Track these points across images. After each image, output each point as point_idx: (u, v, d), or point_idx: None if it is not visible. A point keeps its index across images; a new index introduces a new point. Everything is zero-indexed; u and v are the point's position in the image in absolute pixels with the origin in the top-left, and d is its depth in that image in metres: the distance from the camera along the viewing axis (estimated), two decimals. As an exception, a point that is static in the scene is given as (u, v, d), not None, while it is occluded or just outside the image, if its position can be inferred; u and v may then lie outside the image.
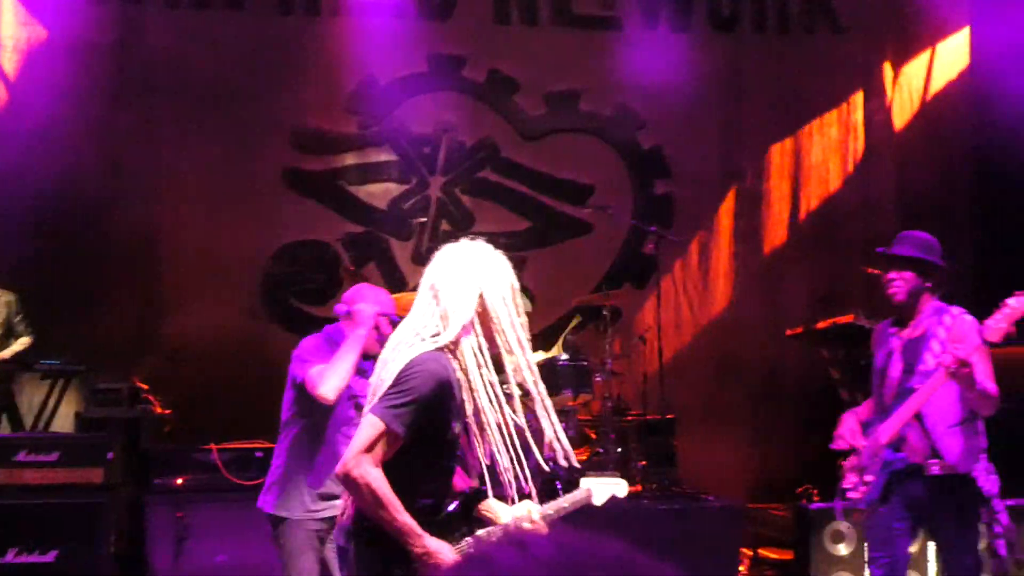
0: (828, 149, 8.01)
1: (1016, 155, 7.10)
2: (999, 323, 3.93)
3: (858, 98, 8.01)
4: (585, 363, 6.31)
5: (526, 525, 3.12)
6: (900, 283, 4.33)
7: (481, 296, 3.03)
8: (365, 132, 7.54)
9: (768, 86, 7.98)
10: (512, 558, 1.02)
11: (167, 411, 6.15)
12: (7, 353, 6.06)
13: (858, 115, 8.01)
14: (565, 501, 3.36)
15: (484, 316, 3.03)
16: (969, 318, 4.24)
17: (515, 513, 3.15)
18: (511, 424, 3.02)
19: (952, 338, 4.17)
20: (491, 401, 3.04)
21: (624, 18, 7.84)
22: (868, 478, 4.26)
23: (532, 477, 3.11)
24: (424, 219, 7.47)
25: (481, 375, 3.03)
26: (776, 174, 7.95)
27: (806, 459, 7.11)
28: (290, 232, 7.37)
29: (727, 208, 7.91)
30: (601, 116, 7.84)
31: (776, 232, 7.92)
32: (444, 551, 3.01)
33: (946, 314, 4.30)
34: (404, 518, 3.00)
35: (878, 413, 4.38)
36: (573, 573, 1.01)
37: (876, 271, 7.43)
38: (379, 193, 7.57)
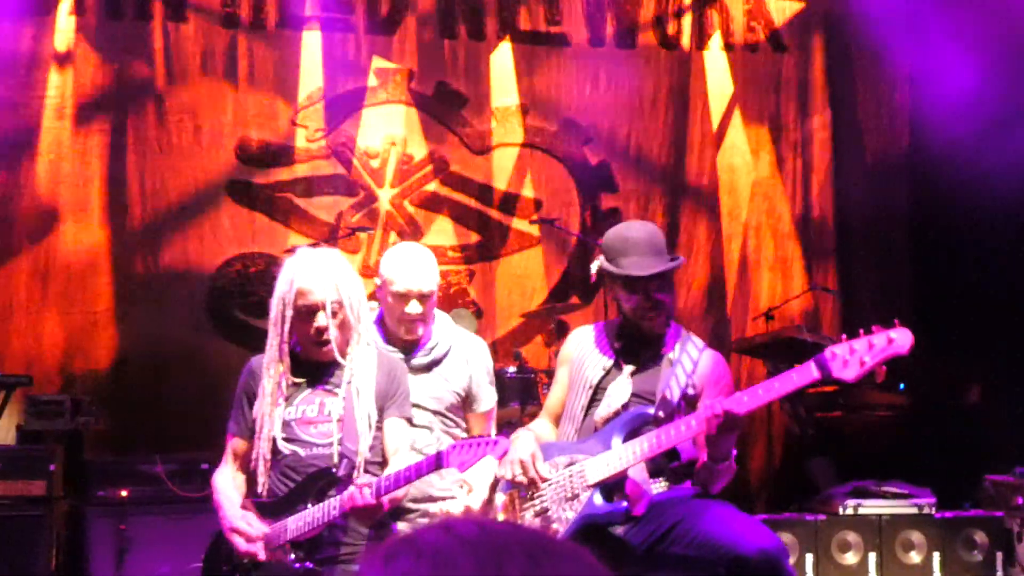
0: (773, 166, 8.13)
1: (951, 173, 7.25)
2: (860, 356, 3.00)
3: (800, 116, 8.15)
4: (532, 375, 6.35)
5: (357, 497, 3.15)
6: (658, 309, 3.41)
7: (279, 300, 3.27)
8: (312, 145, 7.53)
9: (713, 103, 8.09)
10: (436, 538, 1.05)
11: (110, 423, 6.10)
12: None
13: (800, 133, 8.15)
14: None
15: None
16: (719, 357, 3.54)
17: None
18: (266, 422, 3.15)
19: (709, 382, 3.41)
20: (267, 399, 3.17)
21: (570, 34, 7.92)
22: (556, 527, 3.30)
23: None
24: (372, 229, 7.48)
25: (269, 374, 3.19)
26: (721, 190, 8.05)
27: (749, 468, 7.23)
28: (236, 244, 7.34)
29: (673, 223, 8.00)
30: (548, 131, 7.91)
31: (720, 248, 8.01)
32: (236, 521, 3.18)
33: (690, 343, 3.52)
34: (217, 497, 3.29)
35: (569, 436, 3.50)
36: (495, 552, 1.03)
37: (828, 290, 7.56)
38: (327, 206, 7.56)
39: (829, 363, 3.04)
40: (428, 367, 3.83)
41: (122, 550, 5.10)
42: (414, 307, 3.70)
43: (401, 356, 3.77)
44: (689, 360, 3.45)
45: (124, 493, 5.23)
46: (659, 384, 3.41)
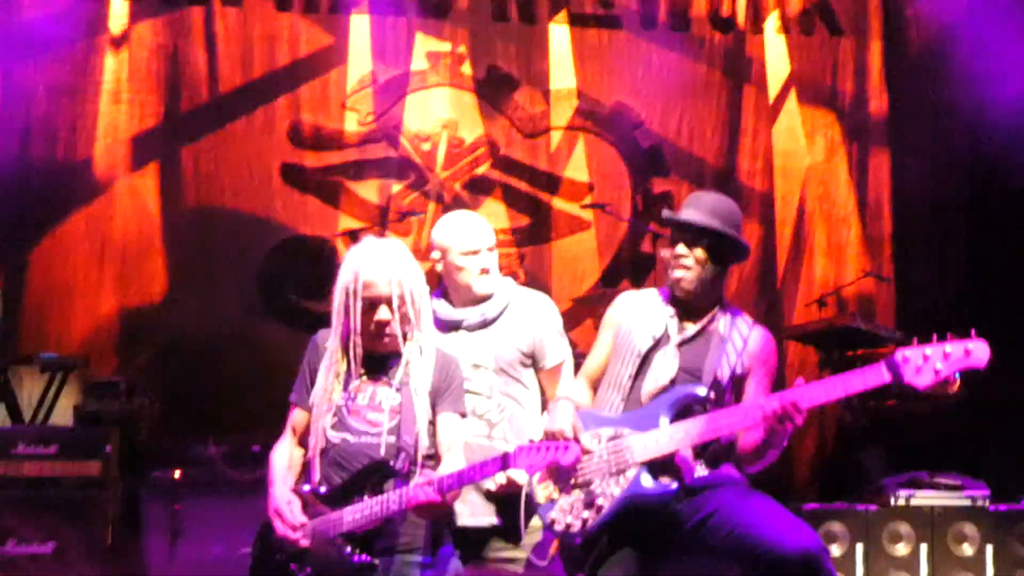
0: (828, 149, 8.03)
1: (1012, 157, 7.12)
2: (934, 364, 2.87)
3: (857, 100, 8.03)
4: (582, 360, 6.32)
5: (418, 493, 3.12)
6: (692, 263, 3.36)
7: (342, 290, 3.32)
8: (364, 128, 7.55)
9: (767, 85, 7.99)
10: None
11: (164, 404, 6.19)
12: None
13: (857, 117, 8.03)
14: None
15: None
16: (769, 335, 3.44)
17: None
18: (322, 415, 3.20)
19: (758, 361, 3.34)
20: (323, 385, 3.22)
21: (623, 16, 7.86)
22: (601, 502, 3.18)
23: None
24: (422, 213, 7.49)
25: (330, 361, 3.28)
26: (776, 174, 7.97)
27: (799, 457, 7.17)
28: (288, 227, 7.40)
29: (725, 207, 7.91)
30: (600, 114, 7.86)
31: (773, 233, 7.93)
32: (281, 504, 3.20)
33: (740, 319, 3.44)
34: (270, 474, 3.31)
35: (614, 404, 3.38)
36: None
37: (881, 277, 7.42)
38: (377, 189, 7.59)
39: (901, 367, 2.92)
40: (484, 324, 3.83)
41: (175, 531, 5.19)
42: (486, 259, 3.81)
43: (461, 319, 3.82)
44: (739, 337, 3.37)
45: (177, 475, 5.31)
46: (708, 361, 3.32)
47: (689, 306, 3.44)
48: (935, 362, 2.89)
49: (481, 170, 7.74)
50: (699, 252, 3.39)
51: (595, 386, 3.56)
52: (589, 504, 3.19)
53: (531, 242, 7.75)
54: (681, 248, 3.40)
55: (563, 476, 3.29)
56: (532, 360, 3.91)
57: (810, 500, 6.02)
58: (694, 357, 3.35)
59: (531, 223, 7.79)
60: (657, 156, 7.93)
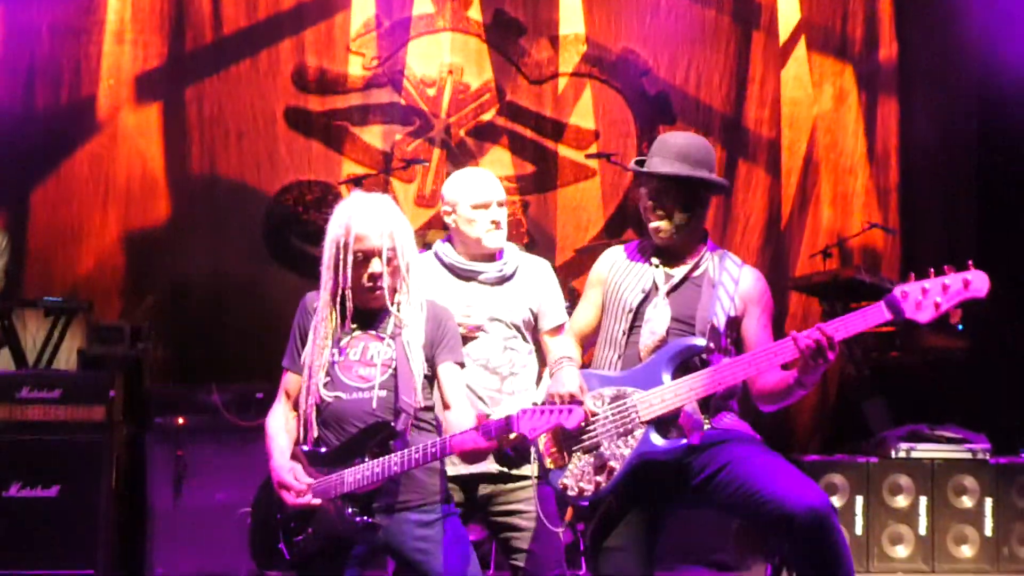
0: (837, 98, 7.96)
1: (1022, 108, 7.06)
2: (934, 298, 2.87)
3: (866, 49, 7.94)
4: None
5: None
6: (667, 217, 3.34)
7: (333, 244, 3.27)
8: (368, 73, 7.49)
9: (777, 32, 7.90)
10: None
11: (167, 350, 6.20)
12: None
13: (866, 66, 7.94)
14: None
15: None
16: (759, 273, 3.40)
17: None
18: (313, 372, 3.18)
19: (751, 300, 3.30)
20: (314, 342, 3.25)
21: (631, -39, 7.77)
22: (613, 464, 3.15)
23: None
24: (427, 161, 7.45)
25: (321, 317, 3.26)
26: (784, 122, 7.90)
27: (801, 409, 7.19)
28: (292, 172, 7.37)
29: (732, 156, 7.88)
30: (607, 61, 7.79)
31: (779, 182, 7.89)
32: (284, 474, 3.19)
33: (728, 259, 3.39)
34: (269, 444, 3.30)
35: (612, 361, 3.35)
36: None
37: (887, 229, 7.38)
38: (382, 134, 7.54)
39: (900, 303, 2.89)
40: (500, 281, 3.86)
41: (179, 476, 5.23)
42: (496, 213, 3.84)
43: (479, 271, 3.84)
44: (730, 279, 3.32)
45: (180, 420, 5.33)
46: (700, 308, 3.27)
47: (672, 252, 3.41)
48: (935, 296, 2.87)
49: (487, 116, 7.69)
50: (668, 202, 3.35)
51: (582, 343, 3.57)
52: (600, 467, 3.16)
53: (536, 190, 7.71)
54: (650, 201, 3.37)
55: (568, 440, 3.27)
56: (535, 320, 3.95)
57: (811, 452, 6.06)
58: (685, 305, 3.31)
59: (536, 170, 7.75)
60: (664, 103, 7.87)
